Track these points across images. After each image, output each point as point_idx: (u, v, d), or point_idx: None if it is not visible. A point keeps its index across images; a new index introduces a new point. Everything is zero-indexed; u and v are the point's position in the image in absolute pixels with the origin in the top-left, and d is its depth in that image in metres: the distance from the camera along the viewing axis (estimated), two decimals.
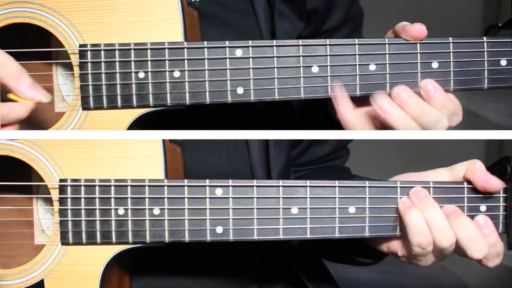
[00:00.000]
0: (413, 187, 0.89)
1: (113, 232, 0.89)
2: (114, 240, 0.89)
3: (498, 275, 2.23)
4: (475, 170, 0.90)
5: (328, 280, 1.13)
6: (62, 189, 0.89)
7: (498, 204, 0.90)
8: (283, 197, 0.89)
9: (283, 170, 1.08)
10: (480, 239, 0.87)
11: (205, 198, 0.88)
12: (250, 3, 1.05)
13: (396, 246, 0.92)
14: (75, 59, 0.90)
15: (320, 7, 1.11)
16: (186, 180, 0.88)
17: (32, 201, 0.97)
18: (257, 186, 0.89)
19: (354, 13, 1.17)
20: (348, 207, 0.89)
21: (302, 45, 0.90)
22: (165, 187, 0.88)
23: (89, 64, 0.90)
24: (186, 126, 0.98)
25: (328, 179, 0.90)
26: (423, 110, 0.89)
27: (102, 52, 0.90)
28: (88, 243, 0.89)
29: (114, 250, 0.90)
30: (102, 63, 0.90)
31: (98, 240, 0.89)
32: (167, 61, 0.90)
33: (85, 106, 0.91)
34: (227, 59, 0.90)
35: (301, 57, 0.90)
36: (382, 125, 0.92)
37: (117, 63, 0.90)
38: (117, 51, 0.90)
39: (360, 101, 0.93)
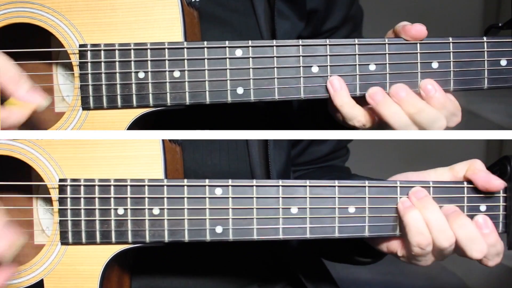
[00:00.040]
0: (413, 187, 0.89)
1: (113, 232, 0.89)
2: (113, 240, 0.89)
3: (498, 275, 2.23)
4: (476, 170, 0.90)
5: (328, 280, 1.13)
6: (61, 189, 0.89)
7: (498, 203, 0.90)
8: (282, 197, 0.89)
9: (282, 169, 1.08)
10: (479, 239, 0.87)
11: (205, 198, 0.88)
12: (250, 3, 1.05)
13: (395, 246, 0.92)
14: (75, 59, 0.90)
15: (320, 7, 1.11)
16: (185, 180, 0.88)
17: (32, 201, 0.97)
18: (256, 186, 0.89)
19: (354, 13, 1.17)
20: (347, 207, 0.89)
21: (302, 45, 0.90)
22: (165, 187, 0.88)
23: (89, 64, 0.90)
24: (186, 126, 0.98)
25: (327, 179, 0.90)
26: (420, 109, 0.89)
27: (102, 52, 0.90)
28: (87, 243, 0.89)
29: (113, 250, 0.90)
30: (102, 63, 0.90)
31: (98, 240, 0.89)
32: (167, 61, 0.90)
33: (85, 106, 0.91)
34: (227, 59, 0.90)
35: (301, 57, 0.90)
36: (380, 120, 0.91)
37: (117, 63, 0.90)
38: (117, 51, 0.90)
39: (360, 101, 0.93)
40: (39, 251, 0.91)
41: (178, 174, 0.94)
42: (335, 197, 0.89)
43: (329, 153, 1.20)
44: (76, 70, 0.90)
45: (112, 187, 0.88)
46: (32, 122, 0.96)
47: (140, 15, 0.90)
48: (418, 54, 0.91)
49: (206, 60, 0.90)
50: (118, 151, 0.89)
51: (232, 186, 0.88)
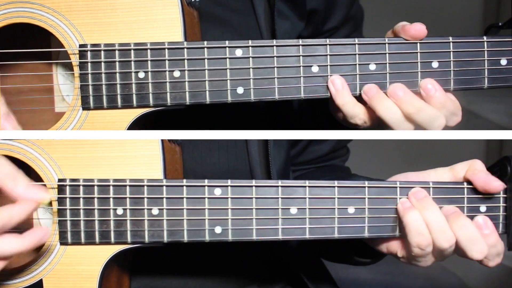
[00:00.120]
0: (412, 187, 0.89)
1: (112, 232, 0.89)
2: (112, 240, 0.89)
3: (498, 275, 2.23)
4: (476, 171, 0.89)
5: (327, 280, 1.12)
6: (60, 189, 0.89)
7: (498, 204, 0.90)
8: (282, 197, 0.89)
9: (282, 168, 1.07)
10: (480, 239, 0.86)
11: (204, 198, 0.88)
12: (250, 3, 1.05)
13: (395, 246, 0.91)
14: (75, 59, 0.90)
15: (320, 7, 1.11)
16: (185, 180, 0.88)
17: None
18: (256, 186, 0.88)
19: (355, 13, 1.17)
20: (347, 208, 0.89)
21: (302, 45, 0.90)
22: (164, 187, 0.88)
23: (89, 64, 0.90)
24: (186, 126, 0.98)
25: (327, 179, 0.90)
26: (419, 108, 0.89)
27: (102, 52, 0.90)
28: (86, 243, 0.89)
29: (113, 250, 0.90)
30: (102, 63, 0.90)
31: (97, 240, 0.89)
32: (167, 61, 0.90)
33: (85, 106, 0.91)
34: (227, 59, 0.90)
35: (301, 57, 0.90)
36: (378, 117, 0.91)
37: (117, 63, 0.90)
38: (117, 51, 0.90)
39: (360, 100, 0.93)
40: (38, 250, 0.91)
41: (177, 174, 0.94)
42: (334, 198, 0.89)
43: (329, 152, 1.20)
44: (76, 70, 0.90)
45: (111, 187, 0.88)
46: (33, 122, 0.96)
47: (140, 15, 0.90)
48: (418, 53, 0.91)
49: (206, 60, 0.90)
50: (117, 151, 0.89)
51: (231, 186, 0.88)
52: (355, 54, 0.91)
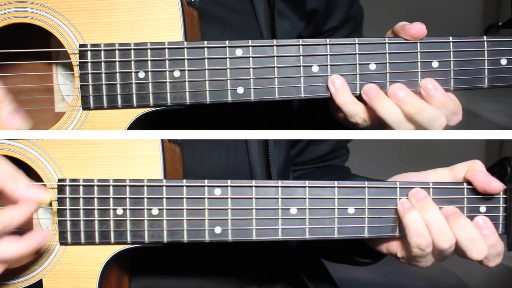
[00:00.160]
0: (412, 187, 0.89)
1: (112, 232, 0.89)
2: (112, 240, 0.89)
3: (498, 275, 2.24)
4: (475, 171, 0.89)
5: (327, 280, 1.12)
6: (60, 189, 0.89)
7: (498, 205, 0.90)
8: (282, 198, 0.89)
9: (282, 168, 1.07)
10: (480, 240, 0.86)
11: (204, 198, 0.88)
12: (250, 3, 1.04)
13: (395, 247, 0.91)
14: (75, 59, 0.90)
15: (320, 7, 1.11)
16: (184, 180, 0.88)
17: None
18: (256, 186, 0.88)
19: (355, 13, 1.17)
20: (347, 208, 0.89)
21: (302, 45, 0.90)
22: (164, 187, 0.88)
23: (89, 64, 0.90)
24: (186, 126, 0.98)
25: (327, 179, 0.90)
26: (419, 108, 0.89)
27: (102, 52, 0.90)
28: (86, 243, 0.89)
29: (112, 250, 0.90)
30: (102, 63, 0.90)
31: (97, 240, 0.89)
32: (167, 61, 0.90)
33: (85, 106, 0.91)
34: (227, 59, 0.90)
35: (301, 57, 0.90)
36: (378, 117, 0.91)
37: (117, 63, 0.90)
38: (117, 51, 0.90)
39: (360, 100, 0.92)
40: (38, 251, 0.91)
41: (177, 174, 0.93)
42: (334, 198, 0.89)
43: (329, 152, 1.20)
44: (76, 70, 0.90)
45: (111, 187, 0.88)
46: (32, 122, 0.96)
47: (140, 15, 0.90)
48: (418, 53, 0.91)
49: (206, 59, 0.90)
50: (117, 151, 0.89)
51: (231, 186, 0.88)
52: (355, 54, 0.90)
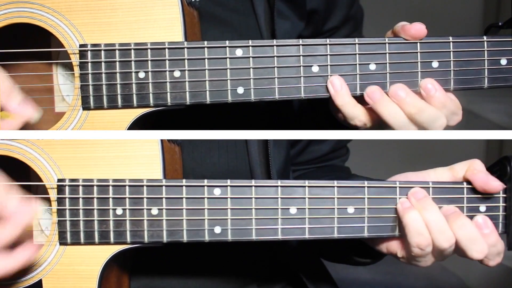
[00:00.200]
0: (412, 187, 0.89)
1: (111, 232, 0.89)
2: (112, 240, 0.89)
3: (498, 275, 2.24)
4: (475, 171, 0.89)
5: (327, 280, 1.12)
6: (60, 189, 0.89)
7: (497, 204, 0.90)
8: (281, 197, 0.89)
9: (282, 168, 1.07)
10: (480, 239, 0.86)
11: (203, 198, 0.88)
12: (250, 3, 1.04)
13: (395, 247, 0.91)
14: (75, 59, 0.90)
15: (320, 7, 1.11)
16: (184, 180, 0.88)
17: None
18: (255, 186, 0.88)
19: (355, 13, 1.17)
20: (347, 207, 0.89)
21: (302, 45, 0.90)
22: (163, 187, 0.88)
23: (89, 64, 0.90)
24: (186, 126, 0.98)
25: (327, 179, 0.90)
26: (420, 108, 0.89)
27: (102, 52, 0.90)
28: (86, 243, 0.89)
29: (112, 250, 0.90)
30: (102, 63, 0.90)
31: (96, 240, 0.89)
32: (167, 61, 0.90)
33: (85, 106, 0.91)
34: (227, 59, 0.90)
35: (301, 57, 0.90)
36: (380, 119, 0.91)
37: (117, 63, 0.90)
38: (117, 51, 0.90)
39: (361, 101, 0.93)
40: (38, 251, 0.91)
41: (177, 174, 0.94)
42: (334, 198, 0.89)
43: (329, 152, 1.20)
44: (77, 70, 0.90)
45: (110, 187, 0.88)
46: (32, 123, 0.96)
47: (140, 15, 0.90)
48: (418, 53, 0.91)
49: (206, 59, 0.90)
50: (117, 151, 0.89)
51: (230, 186, 0.88)
52: (355, 54, 0.90)
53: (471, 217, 0.88)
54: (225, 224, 0.88)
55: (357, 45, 0.90)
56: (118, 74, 0.90)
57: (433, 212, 0.86)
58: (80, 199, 0.89)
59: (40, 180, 0.90)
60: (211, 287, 1.05)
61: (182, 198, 0.88)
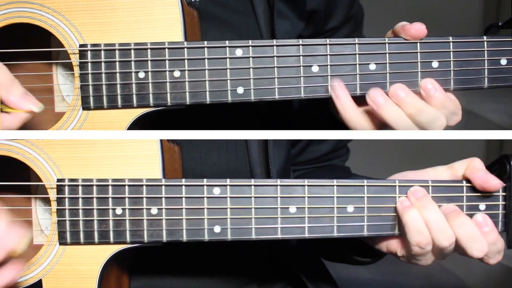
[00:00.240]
0: (411, 186, 0.89)
1: (111, 231, 0.89)
2: (112, 239, 0.89)
3: (497, 275, 2.23)
4: (474, 169, 0.90)
5: (327, 280, 1.12)
6: (59, 189, 0.89)
7: (497, 202, 0.90)
8: (281, 197, 0.89)
9: (282, 168, 1.07)
10: (479, 237, 0.86)
11: (203, 197, 0.88)
12: (250, 3, 1.05)
13: (395, 245, 0.91)
14: (75, 59, 0.90)
15: (321, 7, 1.11)
16: (183, 180, 0.88)
17: (31, 201, 0.97)
18: (255, 185, 0.88)
19: (355, 13, 1.17)
20: (346, 206, 0.89)
21: (302, 45, 0.90)
22: (163, 186, 0.88)
23: (89, 64, 0.90)
24: (186, 126, 0.98)
25: (327, 179, 0.90)
26: (420, 109, 0.89)
27: (102, 52, 0.90)
28: (86, 242, 0.89)
29: (112, 249, 0.90)
30: (102, 63, 0.90)
31: (96, 240, 0.89)
32: (167, 61, 0.90)
33: (85, 106, 0.91)
34: (227, 59, 0.90)
35: (301, 57, 0.90)
36: (381, 123, 0.91)
37: (117, 63, 0.90)
38: (117, 51, 0.90)
39: (361, 100, 0.93)
40: (37, 251, 0.91)
41: (176, 174, 0.94)
42: (333, 197, 0.89)
43: (329, 152, 1.20)
44: (76, 70, 0.90)
45: (110, 187, 0.88)
46: (32, 122, 0.96)
47: (140, 15, 0.90)
48: (418, 53, 0.91)
49: (206, 59, 0.90)
50: (117, 151, 0.89)
51: (230, 185, 0.88)
52: (355, 54, 0.91)
53: (470, 216, 0.88)
54: (225, 224, 0.88)
55: (357, 45, 0.90)
56: (118, 74, 0.90)
57: (432, 211, 0.87)
58: (80, 199, 0.89)
59: (40, 180, 0.90)
60: (211, 286, 1.05)
61: (181, 197, 0.88)
